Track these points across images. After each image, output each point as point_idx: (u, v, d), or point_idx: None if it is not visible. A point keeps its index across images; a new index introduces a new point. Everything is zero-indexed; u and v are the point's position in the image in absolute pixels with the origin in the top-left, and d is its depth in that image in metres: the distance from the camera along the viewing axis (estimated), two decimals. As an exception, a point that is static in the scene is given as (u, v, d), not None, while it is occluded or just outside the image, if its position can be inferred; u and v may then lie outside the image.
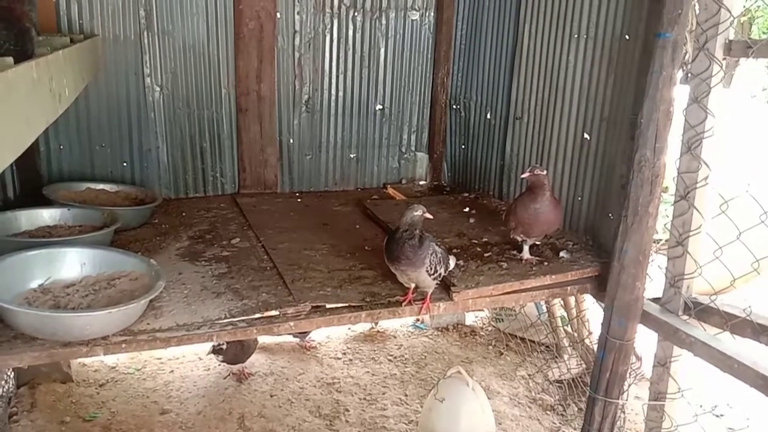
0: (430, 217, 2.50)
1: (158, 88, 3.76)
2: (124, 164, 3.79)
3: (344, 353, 4.40)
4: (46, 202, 3.13)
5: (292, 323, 2.47)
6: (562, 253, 3.06)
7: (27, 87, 1.60)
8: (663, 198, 2.71)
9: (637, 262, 2.63)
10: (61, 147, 3.62)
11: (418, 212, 2.47)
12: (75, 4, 3.44)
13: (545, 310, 4.28)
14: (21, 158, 1.52)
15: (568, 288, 2.92)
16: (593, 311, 3.79)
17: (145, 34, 3.63)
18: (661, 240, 3.93)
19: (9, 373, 3.52)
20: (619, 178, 2.95)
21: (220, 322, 2.37)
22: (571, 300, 3.96)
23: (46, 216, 2.98)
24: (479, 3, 4.11)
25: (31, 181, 3.46)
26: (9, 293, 2.21)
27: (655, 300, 2.74)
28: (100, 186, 3.59)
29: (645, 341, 2.97)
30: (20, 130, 1.50)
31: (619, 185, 2.94)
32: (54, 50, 2.11)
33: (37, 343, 2.11)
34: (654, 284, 2.78)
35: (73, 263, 2.48)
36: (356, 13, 4.09)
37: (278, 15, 3.88)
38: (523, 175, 2.91)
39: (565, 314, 4.13)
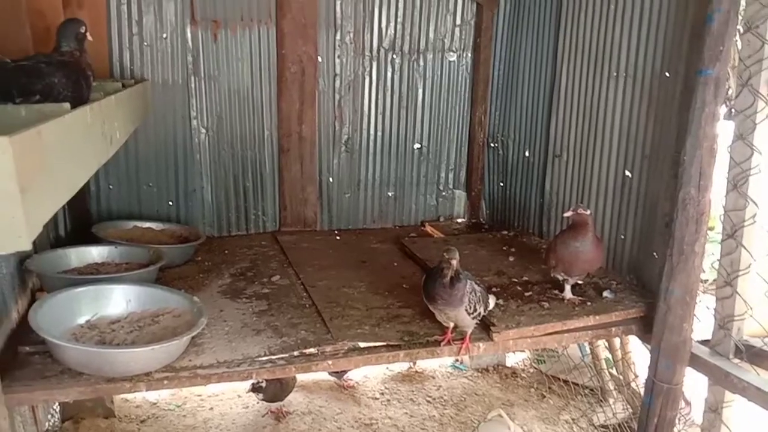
0: (455, 260, 2.44)
1: (204, 131, 3.89)
2: (170, 203, 3.91)
3: (382, 393, 4.34)
4: (95, 240, 3.25)
5: (330, 362, 2.47)
6: (605, 293, 2.99)
7: (81, 130, 1.68)
8: (709, 236, 2.64)
9: (683, 303, 2.55)
10: (111, 186, 3.77)
11: (445, 255, 2.44)
12: (127, 52, 3.62)
13: (589, 351, 4.16)
14: (72, 198, 1.59)
15: (613, 329, 2.85)
16: (639, 353, 3.67)
17: (192, 78, 3.78)
18: (708, 280, 3.81)
19: (55, 407, 3.60)
20: (662, 216, 2.89)
21: (260, 359, 2.39)
22: (616, 341, 3.85)
23: (95, 253, 3.09)
24: (516, 43, 4.15)
25: (81, 220, 3.60)
26: (58, 329, 2.27)
27: (704, 342, 2.64)
28: (147, 224, 3.70)
29: (695, 385, 2.86)
30: (74, 171, 1.57)
31: (662, 223, 2.88)
32: (107, 95, 2.22)
33: (83, 378, 2.17)
34: (702, 326, 2.69)
35: (119, 300, 2.55)
36: (395, 56, 4.18)
37: (319, 59, 4.00)
38: (566, 214, 2.88)
39: (609, 356, 4.01)
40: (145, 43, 3.64)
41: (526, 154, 4.11)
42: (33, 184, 1.19)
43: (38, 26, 2.46)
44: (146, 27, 3.62)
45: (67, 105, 1.69)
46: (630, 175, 3.16)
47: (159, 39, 3.66)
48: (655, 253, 2.97)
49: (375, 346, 2.55)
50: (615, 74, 3.23)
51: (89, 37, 2.16)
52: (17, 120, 1.60)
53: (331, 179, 4.27)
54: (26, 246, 1.16)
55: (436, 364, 4.72)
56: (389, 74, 4.21)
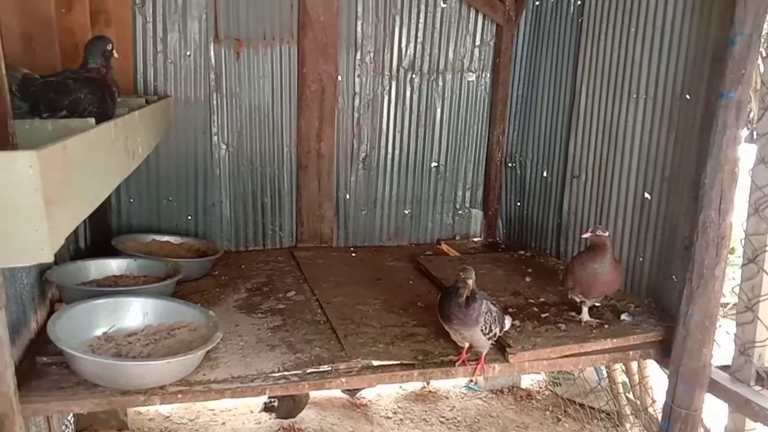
0: (470, 280, 2.42)
1: (224, 146, 3.94)
2: (189, 217, 3.95)
3: (395, 412, 4.31)
4: (115, 253, 3.28)
5: (343, 379, 2.46)
6: (623, 316, 2.96)
7: (105, 145, 1.71)
8: (730, 260, 2.60)
9: (703, 328, 2.51)
10: (131, 200, 3.82)
11: (461, 274, 2.43)
12: (151, 68, 3.69)
13: (606, 375, 4.10)
14: (93, 210, 1.61)
15: (630, 353, 2.81)
16: (657, 378, 3.61)
17: (215, 95, 3.84)
18: (728, 304, 3.74)
19: (69, 418, 3.62)
20: (682, 240, 2.86)
21: (273, 375, 2.39)
22: (634, 365, 3.79)
23: (114, 266, 3.13)
24: (536, 64, 4.16)
25: (102, 232, 3.66)
26: (75, 340, 2.30)
27: (724, 368, 2.59)
28: (165, 238, 3.74)
29: (714, 412, 2.80)
30: (97, 185, 1.60)
31: (682, 246, 2.85)
32: (131, 111, 2.26)
33: (98, 389, 2.18)
34: (722, 351, 2.64)
35: (136, 312, 2.58)
36: (414, 75, 4.21)
37: (339, 78, 4.04)
38: (584, 235, 2.85)
39: (626, 380, 3.95)
40: (169, 60, 3.71)
41: (544, 174, 4.09)
42: (57, 197, 1.21)
43: (67, 43, 2.53)
44: (171, 44, 3.69)
45: (92, 120, 1.73)
46: (649, 197, 3.14)
47: (183, 56, 3.73)
48: (674, 276, 2.93)
49: (389, 365, 2.54)
50: (635, 96, 3.22)
51: (115, 54, 2.21)
52: (44, 134, 1.64)
53: (348, 196, 4.29)
54: (48, 258, 1.18)
55: (450, 384, 4.68)
56: (408, 93, 4.24)
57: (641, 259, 3.19)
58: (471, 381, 4.67)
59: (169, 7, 3.64)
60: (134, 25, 3.60)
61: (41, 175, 1.13)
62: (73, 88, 1.96)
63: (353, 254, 4.17)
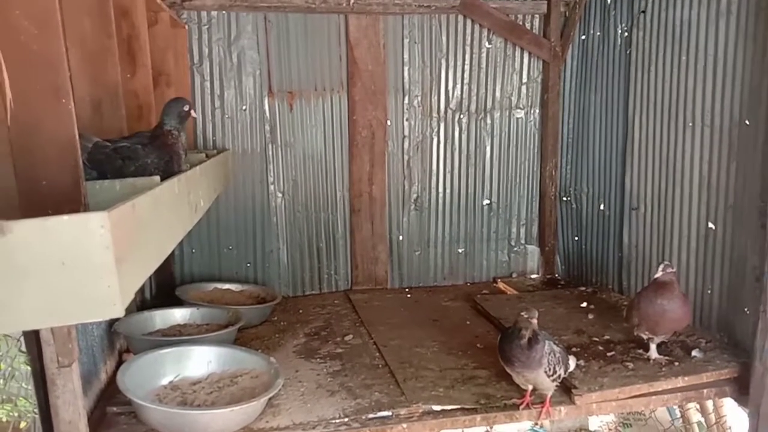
0: (535, 320, 2.36)
1: (280, 195, 4.05)
2: (248, 264, 4.05)
3: (459, 457, 4.20)
4: (178, 302, 3.39)
5: (404, 425, 2.43)
6: (694, 352, 2.83)
7: (170, 201, 1.79)
8: (806, 291, 2.46)
9: (783, 364, 2.37)
10: (193, 251, 3.96)
11: (524, 315, 2.38)
12: (210, 124, 3.87)
13: (679, 415, 3.89)
14: (159, 263, 1.68)
15: (704, 391, 2.68)
16: (736, 417, 3.40)
17: (270, 146, 3.98)
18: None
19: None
20: (752, 270, 2.73)
21: (334, 422, 2.39)
22: (709, 404, 3.59)
23: (178, 315, 3.22)
24: (585, 97, 4.13)
25: (166, 283, 3.78)
26: (143, 390, 2.37)
27: (811, 407, 2.43)
28: (226, 286, 3.84)
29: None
30: (163, 239, 1.67)
31: (752, 277, 2.72)
32: (192, 166, 2.36)
33: (166, 438, 2.23)
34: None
35: (200, 361, 2.64)
36: (462, 116, 4.25)
37: (389, 123, 4.12)
38: (656, 275, 2.75)
39: (702, 420, 3.74)
40: (227, 116, 3.88)
41: (601, 207, 4.01)
42: (127, 254, 1.27)
43: (131, 106, 2.68)
44: (227, 100, 3.87)
45: (157, 178, 1.82)
46: (713, 226, 3.03)
47: (239, 111, 3.90)
48: (746, 309, 2.79)
49: (450, 409, 2.50)
50: (691, 124, 3.14)
51: (193, 114, 2.31)
52: (113, 194, 1.73)
53: (401, 237, 4.31)
54: (119, 313, 1.24)
55: (515, 428, 4.54)
56: (456, 133, 4.27)
57: (709, 292, 3.05)
58: (536, 424, 4.52)
59: (225, 66, 3.83)
60: (193, 84, 3.80)
61: (112, 234, 1.19)
62: (141, 155, 2.05)
63: (408, 295, 4.16)
